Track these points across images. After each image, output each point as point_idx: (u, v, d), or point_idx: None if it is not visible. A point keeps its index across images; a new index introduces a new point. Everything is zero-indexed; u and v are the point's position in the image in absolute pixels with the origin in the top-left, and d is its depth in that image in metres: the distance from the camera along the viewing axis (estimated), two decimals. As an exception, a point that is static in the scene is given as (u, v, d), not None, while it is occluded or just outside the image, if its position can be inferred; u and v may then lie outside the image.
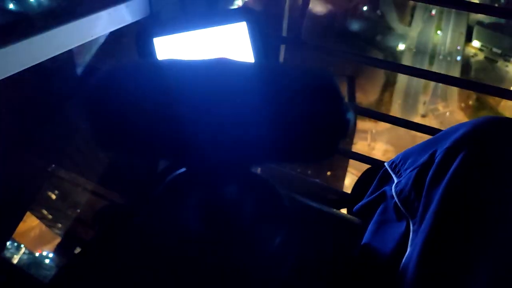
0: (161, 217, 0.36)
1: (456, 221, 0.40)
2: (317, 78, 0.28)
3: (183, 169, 0.38)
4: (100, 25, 0.77)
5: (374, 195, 0.57)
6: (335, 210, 0.47)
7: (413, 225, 0.45)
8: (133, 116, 0.27)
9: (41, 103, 1.01)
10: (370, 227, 0.53)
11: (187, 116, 0.27)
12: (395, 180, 0.52)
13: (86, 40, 0.76)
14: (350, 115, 0.27)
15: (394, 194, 0.49)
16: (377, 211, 0.53)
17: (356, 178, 0.69)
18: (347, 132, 0.27)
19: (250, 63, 0.29)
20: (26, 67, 0.66)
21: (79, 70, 0.96)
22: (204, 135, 0.27)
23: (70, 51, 0.88)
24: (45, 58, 0.69)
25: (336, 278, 0.41)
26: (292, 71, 0.28)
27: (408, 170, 0.50)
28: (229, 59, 0.28)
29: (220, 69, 0.28)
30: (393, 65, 0.90)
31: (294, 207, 0.38)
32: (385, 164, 0.56)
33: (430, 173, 0.45)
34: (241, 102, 0.27)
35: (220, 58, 0.28)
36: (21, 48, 0.65)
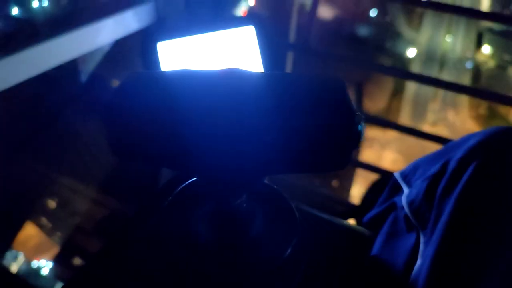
0: (170, 227, 0.36)
1: (467, 232, 0.39)
2: (330, 90, 0.28)
3: (193, 179, 0.38)
4: (106, 33, 0.77)
5: (384, 205, 0.56)
6: (345, 221, 0.47)
7: (423, 237, 0.44)
8: (147, 127, 0.28)
9: (42, 109, 1.01)
10: (380, 238, 0.52)
11: (199, 126, 0.27)
12: (406, 191, 0.51)
13: (92, 49, 0.76)
14: (362, 127, 0.27)
15: (405, 205, 0.48)
16: (387, 222, 0.52)
17: (363, 188, 0.68)
18: (359, 144, 0.27)
19: (262, 73, 0.29)
20: (30, 76, 0.66)
21: (82, 77, 0.96)
22: (217, 145, 0.27)
23: (76, 59, 0.88)
24: (49, 68, 0.69)
25: None
26: (304, 82, 0.30)
27: (419, 181, 0.49)
28: (242, 70, 0.28)
29: (233, 79, 0.29)
30: (402, 73, 0.88)
31: (303, 218, 0.38)
32: (395, 174, 0.56)
33: (442, 183, 0.44)
34: (254, 112, 0.27)
35: (232, 68, 0.28)
36: (24, 57, 0.65)
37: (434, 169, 0.47)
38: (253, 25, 0.71)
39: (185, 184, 0.38)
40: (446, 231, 0.40)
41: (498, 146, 0.42)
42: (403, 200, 0.49)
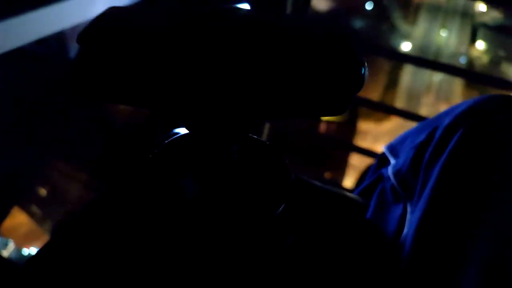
0: (155, 181, 0.35)
1: (453, 199, 0.39)
2: (330, 29, 0.28)
3: (179, 134, 0.37)
4: (97, 4, 0.75)
5: (371, 178, 0.55)
6: (338, 189, 0.46)
7: (410, 206, 0.43)
8: (133, 58, 0.27)
9: (31, 91, 0.99)
10: (369, 210, 0.51)
11: (185, 62, 0.26)
12: (392, 162, 0.50)
13: (81, 20, 0.73)
14: (364, 70, 0.27)
15: (391, 175, 0.48)
16: (375, 194, 0.52)
17: (355, 180, 0.68)
18: (361, 87, 0.26)
19: (256, 10, 0.28)
20: (13, 47, 0.63)
21: (71, 55, 0.94)
22: (206, 82, 0.26)
23: (63, 35, 0.85)
24: (36, 38, 0.66)
25: (339, 255, 0.39)
26: (304, 21, 0.28)
27: (406, 150, 0.48)
28: (231, 6, 0.27)
29: (222, 15, 0.27)
30: (398, 56, 0.87)
31: (297, 183, 0.36)
32: (383, 147, 0.55)
33: (429, 151, 0.43)
34: (248, 50, 0.26)
35: (226, 5, 0.27)
36: (10, 26, 0.62)
37: (421, 137, 0.46)
38: (247, 2, 0.69)
39: (171, 138, 0.36)
40: (431, 199, 0.39)
41: (486, 112, 0.41)
42: (389, 170, 0.49)
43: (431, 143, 0.43)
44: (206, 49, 0.25)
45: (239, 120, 0.29)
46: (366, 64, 0.27)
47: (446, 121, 0.43)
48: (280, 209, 0.34)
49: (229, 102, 0.27)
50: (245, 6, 0.75)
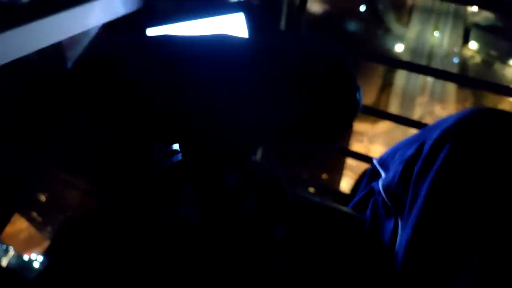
0: (155, 207, 0.35)
1: (442, 217, 0.39)
2: (327, 54, 0.27)
3: (179, 158, 0.37)
4: (93, 16, 0.75)
5: (364, 191, 0.55)
6: (335, 204, 0.46)
7: (401, 221, 0.43)
8: (131, 91, 0.27)
9: (30, 98, 0.99)
10: (366, 223, 0.51)
11: (185, 93, 0.26)
12: (383, 175, 0.50)
13: (77, 32, 0.74)
14: (359, 95, 0.26)
15: (381, 188, 0.47)
16: (368, 207, 0.51)
17: (352, 181, 0.67)
18: (356, 113, 0.26)
19: (252, 38, 0.28)
20: (12, 59, 0.64)
21: (69, 65, 0.94)
22: (204, 112, 0.26)
23: (60, 44, 0.86)
24: (34, 49, 0.67)
25: (338, 271, 0.39)
26: (299, 45, 0.28)
27: (396, 164, 0.48)
28: (229, 35, 0.27)
29: (220, 44, 0.27)
30: (391, 61, 0.88)
31: (296, 201, 0.36)
32: (374, 160, 0.55)
33: (418, 165, 0.43)
34: (245, 78, 0.26)
35: (219, 34, 0.27)
36: (6, 39, 0.63)
37: (410, 151, 0.46)
38: (243, 12, 0.70)
39: (170, 162, 0.36)
40: (420, 216, 0.39)
41: (472, 127, 0.41)
42: (380, 184, 0.48)
43: (420, 158, 0.43)
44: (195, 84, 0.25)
45: (236, 146, 0.29)
46: (360, 89, 0.27)
47: (434, 135, 0.43)
48: (279, 234, 0.33)
49: (228, 132, 0.27)
50: (240, 15, 0.76)
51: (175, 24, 0.70)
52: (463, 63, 7.20)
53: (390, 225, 0.44)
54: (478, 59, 7.17)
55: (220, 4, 0.90)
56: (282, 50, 0.27)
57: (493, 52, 6.88)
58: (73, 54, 1.01)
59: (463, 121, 0.41)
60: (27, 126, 1.03)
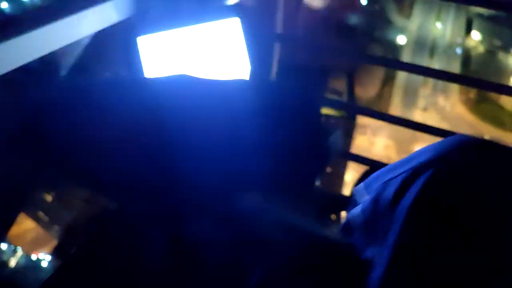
0: (119, 254, 0.33)
1: (415, 251, 0.38)
2: (294, 100, 0.26)
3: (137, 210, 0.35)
4: (86, 24, 0.75)
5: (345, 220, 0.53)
6: (326, 235, 0.44)
7: (377, 249, 0.42)
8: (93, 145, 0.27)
9: (28, 104, 0.99)
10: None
11: (146, 140, 0.25)
12: (365, 198, 0.48)
13: (71, 41, 0.74)
14: (334, 141, 0.25)
15: (352, 218, 0.46)
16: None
17: (357, 174, 0.66)
18: (328, 161, 0.25)
19: (213, 81, 0.26)
20: (8, 70, 0.63)
21: (63, 72, 0.94)
22: (167, 162, 0.25)
23: (55, 52, 0.85)
24: (28, 60, 0.67)
25: None
26: (268, 90, 0.27)
27: (372, 192, 0.46)
28: (191, 76, 0.25)
29: (180, 87, 0.25)
30: (392, 62, 0.87)
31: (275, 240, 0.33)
32: (354, 188, 0.53)
33: (391, 194, 0.42)
34: (207, 127, 0.25)
35: (180, 75, 0.25)
36: (3, 50, 0.62)
37: (387, 178, 0.45)
38: (239, 16, 0.68)
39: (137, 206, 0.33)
40: (394, 249, 0.38)
41: (450, 157, 0.40)
42: (359, 208, 0.47)
43: (397, 186, 0.42)
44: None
45: (209, 196, 0.28)
46: (337, 133, 0.25)
47: (411, 164, 0.42)
48: (253, 278, 0.31)
49: (201, 179, 0.26)
50: (236, 20, 0.74)
51: (168, 30, 0.69)
52: (466, 53, 7.14)
53: (367, 254, 0.43)
54: (481, 49, 7.11)
55: (214, 9, 0.88)
56: (252, 96, 0.26)
57: (496, 42, 6.81)
58: (68, 61, 1.00)
59: (440, 152, 0.41)
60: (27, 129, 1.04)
